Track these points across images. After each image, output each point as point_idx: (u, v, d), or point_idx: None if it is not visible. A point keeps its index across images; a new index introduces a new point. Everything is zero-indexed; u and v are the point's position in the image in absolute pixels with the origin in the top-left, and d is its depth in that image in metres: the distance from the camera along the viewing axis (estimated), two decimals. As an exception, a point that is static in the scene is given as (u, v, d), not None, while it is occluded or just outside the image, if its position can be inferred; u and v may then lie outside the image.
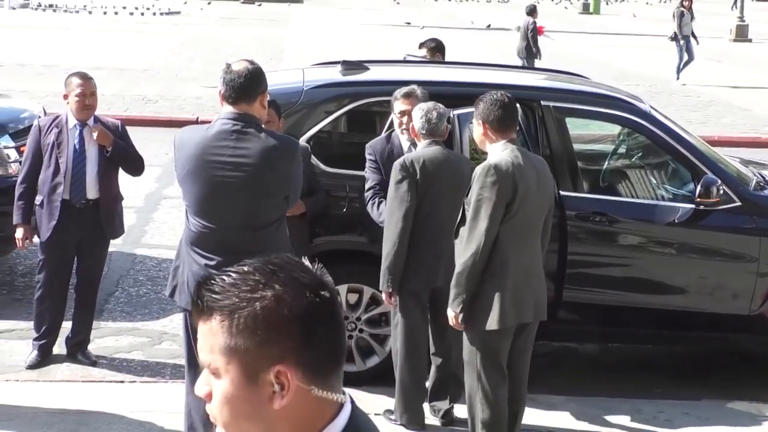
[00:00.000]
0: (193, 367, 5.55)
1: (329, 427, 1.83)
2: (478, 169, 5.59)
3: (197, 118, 15.64)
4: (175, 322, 8.29)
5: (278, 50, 28.31)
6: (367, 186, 6.80)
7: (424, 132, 6.33)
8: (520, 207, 5.56)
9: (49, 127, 7.22)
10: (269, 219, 5.37)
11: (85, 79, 7.28)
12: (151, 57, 26.11)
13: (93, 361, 7.41)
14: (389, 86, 7.05)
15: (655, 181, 8.01)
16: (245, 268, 1.82)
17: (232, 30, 35.95)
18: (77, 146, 7.18)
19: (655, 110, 7.92)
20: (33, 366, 7.26)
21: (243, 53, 27.10)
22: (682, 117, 15.88)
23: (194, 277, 5.27)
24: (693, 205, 7.22)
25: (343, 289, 7.02)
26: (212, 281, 1.82)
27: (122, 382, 7.10)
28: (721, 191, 7.17)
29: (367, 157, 6.86)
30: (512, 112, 5.74)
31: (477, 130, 5.77)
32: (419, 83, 7.10)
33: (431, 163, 6.23)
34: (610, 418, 6.75)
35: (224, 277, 1.81)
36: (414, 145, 6.62)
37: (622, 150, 8.68)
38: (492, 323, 5.59)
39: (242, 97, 5.27)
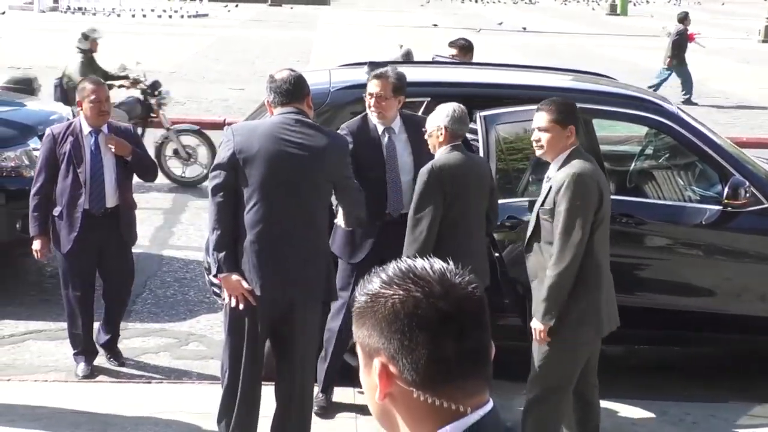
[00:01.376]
0: (229, 369, 5.62)
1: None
2: (566, 179, 5.43)
3: (224, 120, 15.68)
4: (202, 323, 8.34)
5: (305, 52, 28.38)
6: None
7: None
8: (605, 214, 5.50)
9: (63, 136, 7.09)
10: (322, 208, 5.57)
11: (99, 84, 7.21)
12: (178, 59, 26.21)
13: (121, 362, 7.45)
14: (416, 87, 7.02)
15: (682, 183, 7.97)
16: (387, 266, 1.88)
17: (259, 32, 36.05)
18: (94, 154, 7.08)
19: (682, 111, 7.89)
20: (88, 375, 7.20)
21: (270, 55, 27.33)
22: (709, 118, 15.80)
23: (259, 267, 5.36)
24: (720, 207, 7.18)
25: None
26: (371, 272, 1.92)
27: (149, 382, 7.13)
28: (749, 193, 7.13)
29: None
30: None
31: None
32: (446, 84, 7.10)
33: (458, 169, 6.14)
34: (637, 420, 6.72)
35: (374, 270, 1.90)
36: (388, 129, 6.57)
37: (649, 151, 8.66)
38: (589, 335, 5.57)
39: (291, 100, 5.57)
